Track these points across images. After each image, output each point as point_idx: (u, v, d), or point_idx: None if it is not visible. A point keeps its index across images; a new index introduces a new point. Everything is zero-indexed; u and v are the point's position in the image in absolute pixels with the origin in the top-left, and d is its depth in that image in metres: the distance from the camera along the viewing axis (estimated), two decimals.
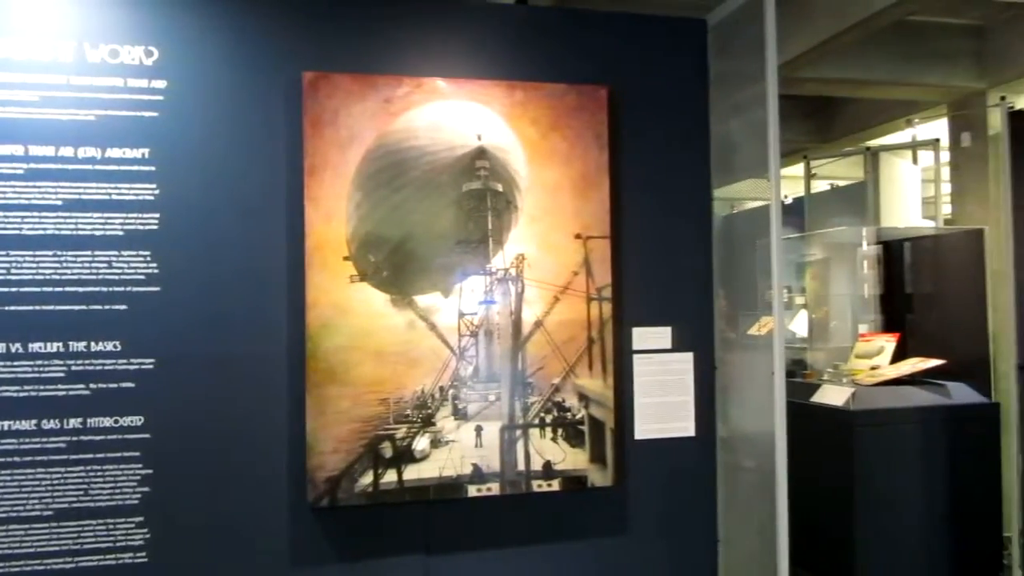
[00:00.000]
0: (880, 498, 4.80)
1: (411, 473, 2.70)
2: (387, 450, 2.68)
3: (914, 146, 7.35)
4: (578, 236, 2.86)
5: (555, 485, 2.80)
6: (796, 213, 8.40)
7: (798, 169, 8.52)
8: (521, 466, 2.78)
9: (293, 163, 2.70)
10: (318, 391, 2.63)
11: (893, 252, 6.21)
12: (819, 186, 9.38)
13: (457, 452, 2.71)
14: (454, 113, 2.80)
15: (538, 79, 2.89)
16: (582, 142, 2.90)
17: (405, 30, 2.84)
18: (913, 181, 7.69)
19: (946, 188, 7.31)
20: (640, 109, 3.07)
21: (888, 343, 5.43)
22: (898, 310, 6.08)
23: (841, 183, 9.16)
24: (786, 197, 9.46)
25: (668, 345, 2.98)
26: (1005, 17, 6.13)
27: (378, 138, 2.72)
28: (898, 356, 5.37)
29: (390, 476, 2.69)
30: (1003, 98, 5.26)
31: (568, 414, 2.82)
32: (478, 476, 2.73)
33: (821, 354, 6.33)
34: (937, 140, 6.92)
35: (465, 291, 2.75)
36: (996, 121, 5.08)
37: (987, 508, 4.97)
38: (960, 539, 4.92)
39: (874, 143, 7.89)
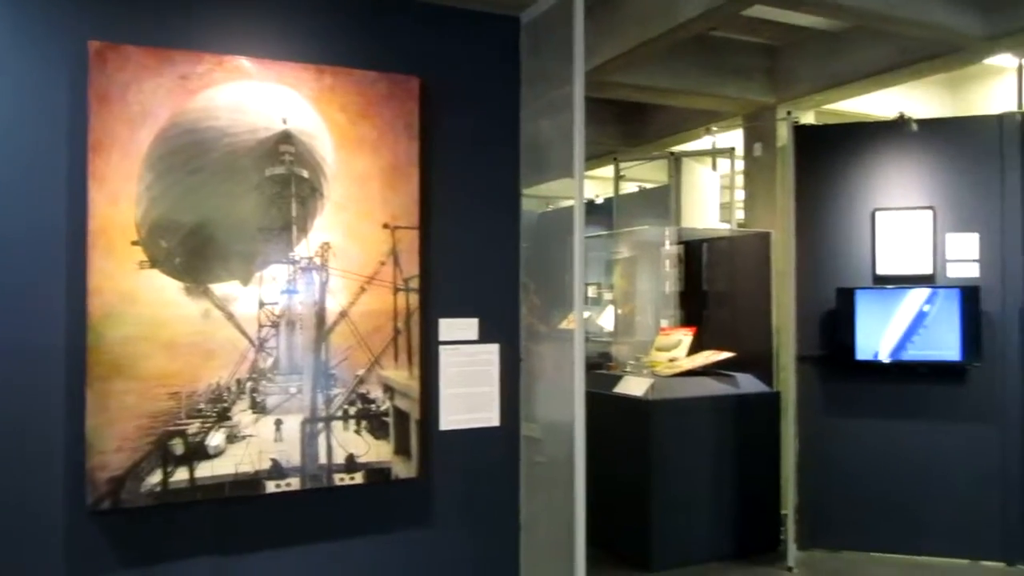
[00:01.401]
0: (673, 480, 5.09)
1: (204, 471, 2.57)
2: (178, 447, 2.54)
3: (713, 153, 7.85)
4: (386, 226, 2.83)
5: (358, 478, 2.76)
6: (606, 212, 8.75)
7: (609, 171, 8.88)
8: (323, 460, 2.72)
9: (77, 140, 2.49)
10: (101, 385, 2.45)
11: (693, 252, 6.60)
12: (628, 187, 9.81)
13: (255, 447, 2.61)
14: (258, 94, 2.68)
15: (348, 65, 2.83)
16: (392, 131, 2.87)
17: (207, 4, 2.70)
18: (712, 186, 8.21)
19: (741, 194, 7.85)
20: (452, 102, 3.08)
21: (685, 337, 5.76)
22: (696, 306, 6.47)
23: (648, 185, 9.63)
24: (597, 197, 9.84)
25: (475, 336, 3.01)
26: (793, 39, 6.65)
27: (174, 116, 2.57)
28: (695, 349, 5.71)
29: (181, 474, 2.55)
30: (789, 113, 5.71)
31: (372, 406, 2.78)
32: (277, 471, 2.65)
33: (625, 347, 6.62)
34: (733, 149, 7.42)
35: (266, 280, 2.65)
36: (783, 133, 5.50)
37: (768, 488, 5.39)
38: (744, 516, 5.31)
39: (678, 149, 8.35)
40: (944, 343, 5.15)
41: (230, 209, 2.62)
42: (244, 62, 2.68)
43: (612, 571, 5.00)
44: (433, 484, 2.92)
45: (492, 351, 3.03)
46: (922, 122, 5.44)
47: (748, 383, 5.48)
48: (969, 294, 5.14)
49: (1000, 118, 5.37)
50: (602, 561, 5.07)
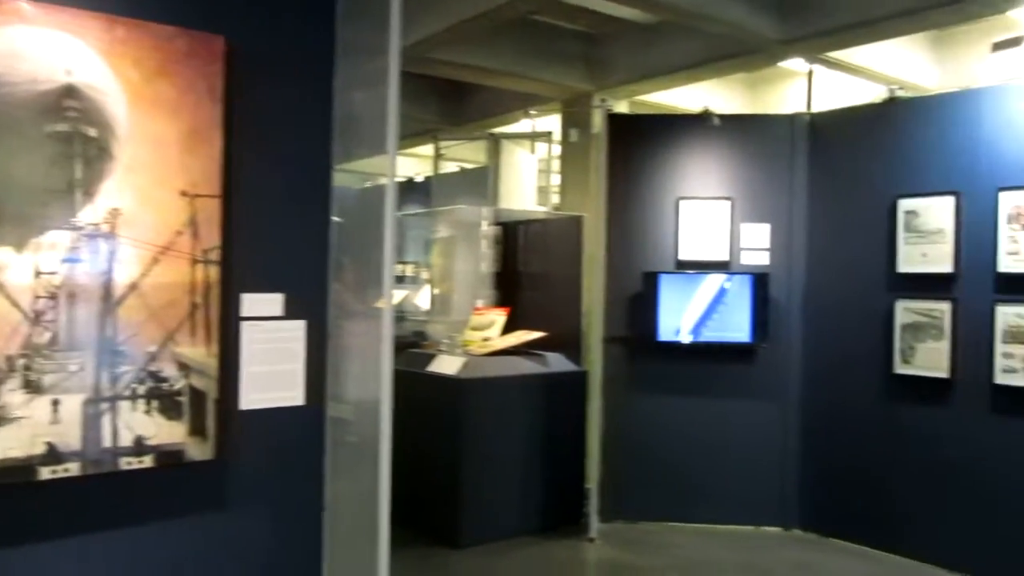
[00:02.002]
0: (483, 458, 5.16)
1: None
2: None
3: (532, 137, 7.98)
4: (184, 193, 2.65)
5: (147, 462, 2.58)
6: (426, 191, 8.70)
7: (429, 149, 8.84)
8: (107, 443, 2.51)
9: None
10: None
11: (510, 233, 6.70)
12: (448, 167, 9.81)
13: (27, 430, 2.38)
14: (39, 42, 2.42)
15: (143, 16, 2.61)
16: (193, 93, 2.68)
17: None
18: (530, 169, 8.34)
19: (558, 179, 8.05)
20: (262, 66, 2.91)
21: (499, 317, 5.84)
22: (511, 287, 6.57)
23: (468, 166, 9.67)
24: (417, 175, 9.78)
25: (280, 312, 2.88)
26: (611, 29, 6.88)
27: None
28: (509, 329, 5.80)
29: None
30: (603, 100, 5.88)
31: (165, 384, 2.60)
32: (53, 456, 2.42)
33: (441, 326, 6.63)
34: (550, 133, 7.58)
35: (44, 247, 2.41)
36: (598, 121, 5.67)
37: (574, 464, 5.58)
38: (551, 492, 5.48)
39: (498, 130, 8.43)
40: (737, 325, 5.52)
41: (3, 167, 2.35)
42: (23, 4, 2.41)
43: (422, 550, 5.01)
44: (232, 466, 2.78)
45: (298, 328, 2.91)
46: (724, 117, 5.76)
47: (558, 362, 5.65)
48: (760, 280, 5.53)
49: (792, 118, 5.79)
50: (412, 541, 5.08)
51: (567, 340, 5.84)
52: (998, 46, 5.15)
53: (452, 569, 4.82)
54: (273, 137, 2.95)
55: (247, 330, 2.83)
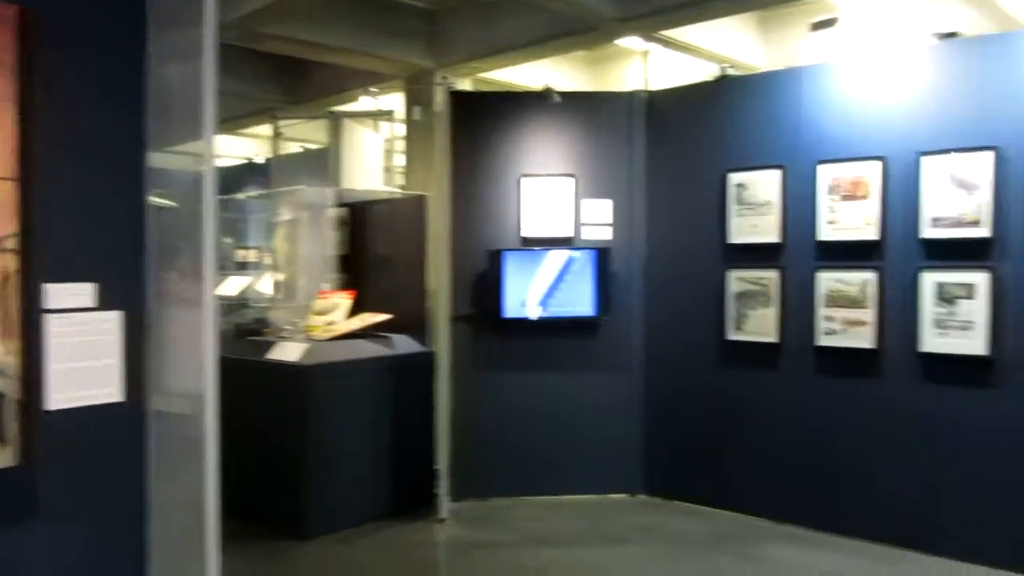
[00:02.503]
0: (330, 445, 5.03)
1: None
2: None
3: (375, 115, 7.82)
4: None
5: None
6: (267, 172, 8.38)
7: (269, 129, 8.51)
8: None
9: None
10: None
11: (355, 215, 6.54)
12: (292, 148, 9.49)
13: None
14: None
15: None
16: None
17: None
18: (375, 148, 8.18)
19: (403, 158, 7.92)
20: (65, 37, 2.66)
21: (344, 300, 5.69)
22: (358, 269, 6.42)
23: (312, 146, 9.38)
24: (257, 156, 9.41)
25: (91, 304, 2.66)
26: (452, 5, 6.80)
27: None
28: (355, 312, 5.67)
29: None
30: (445, 78, 5.81)
31: None
32: None
33: (285, 312, 6.41)
34: (392, 112, 7.44)
35: None
36: (440, 98, 5.59)
37: (423, 445, 5.53)
38: (400, 475, 5.41)
39: (340, 109, 8.20)
40: (581, 300, 5.62)
41: None
42: None
43: (267, 544, 4.84)
44: (40, 472, 2.56)
45: (113, 319, 2.70)
46: (565, 95, 5.81)
47: (404, 344, 5.57)
48: (602, 255, 5.64)
49: (631, 95, 5.92)
50: (255, 535, 4.90)
51: (414, 321, 5.77)
52: (815, 26, 5.44)
53: (299, 561, 4.68)
54: (79, 114, 2.70)
55: (53, 323, 2.59)
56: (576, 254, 5.63)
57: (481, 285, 5.65)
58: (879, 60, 4.79)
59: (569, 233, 5.74)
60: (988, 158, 4.35)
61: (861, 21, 7.21)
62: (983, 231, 4.37)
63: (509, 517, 5.38)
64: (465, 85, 7.14)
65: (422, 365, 5.54)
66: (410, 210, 6.14)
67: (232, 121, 9.64)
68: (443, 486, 5.29)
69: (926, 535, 4.54)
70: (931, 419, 4.55)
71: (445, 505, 5.26)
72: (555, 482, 5.73)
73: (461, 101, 5.72)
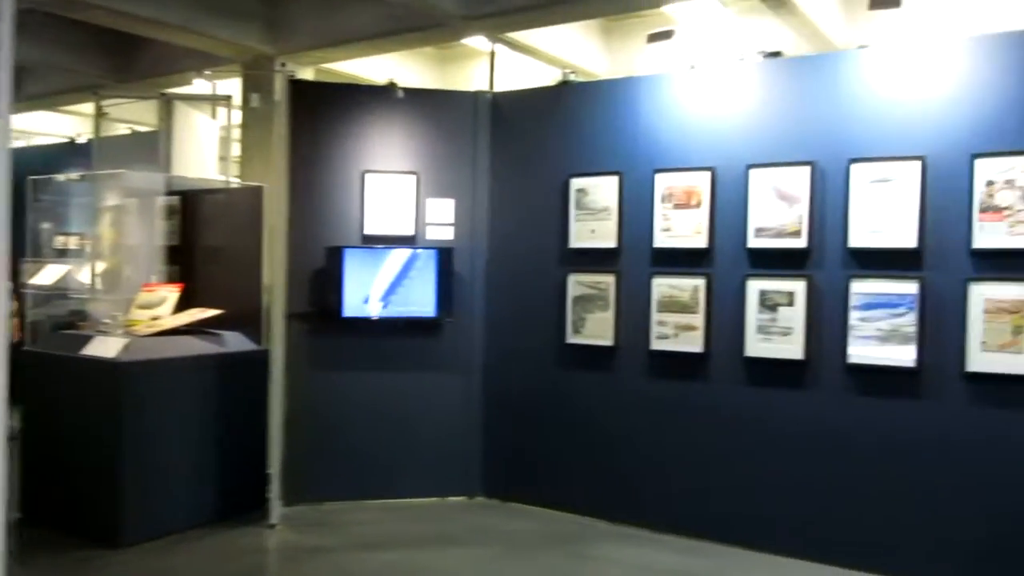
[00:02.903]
0: (150, 447, 4.72)
1: None
2: None
3: (212, 100, 7.42)
4: None
5: None
6: (88, 155, 7.79)
7: (91, 107, 7.91)
8: None
9: None
10: None
11: (188, 204, 6.17)
12: (119, 128, 8.87)
13: None
14: None
15: None
16: None
17: None
18: (211, 135, 7.77)
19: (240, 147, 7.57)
20: None
21: (172, 294, 5.38)
22: (189, 261, 6.07)
23: (142, 128, 8.82)
24: (80, 136, 8.74)
25: None
26: None
27: None
28: (183, 306, 5.36)
29: None
30: (284, 64, 5.59)
31: None
32: None
33: (108, 305, 5.97)
34: (230, 97, 7.09)
35: None
36: (279, 86, 5.37)
37: (255, 448, 5.29)
38: (230, 479, 5.16)
39: (172, 91, 7.74)
40: (422, 300, 5.54)
41: None
42: None
43: (76, 553, 4.48)
44: None
45: None
46: (410, 91, 5.72)
47: (236, 341, 5.31)
48: (444, 255, 5.59)
49: (475, 95, 5.90)
50: (62, 545, 4.54)
51: (247, 318, 5.51)
52: (653, 37, 5.62)
53: (108, 571, 4.35)
54: None
55: None
56: (418, 253, 5.55)
57: (320, 282, 5.47)
58: (711, 74, 5.00)
59: (411, 232, 5.65)
60: (806, 172, 4.62)
61: (695, 35, 7.53)
62: (801, 242, 4.63)
63: (343, 521, 5.24)
64: (307, 74, 6.90)
65: (255, 364, 5.29)
66: (246, 202, 5.85)
67: (53, 96, 8.90)
68: (275, 490, 5.08)
69: (752, 532, 4.77)
70: (754, 420, 4.79)
71: (276, 510, 5.05)
72: (393, 485, 5.63)
73: (302, 90, 5.52)
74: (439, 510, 5.56)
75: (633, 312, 5.19)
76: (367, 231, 5.57)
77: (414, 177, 5.66)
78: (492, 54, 6.70)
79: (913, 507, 4.34)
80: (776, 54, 4.90)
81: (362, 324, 5.48)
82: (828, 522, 4.56)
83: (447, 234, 5.73)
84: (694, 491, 4.98)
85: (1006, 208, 4.12)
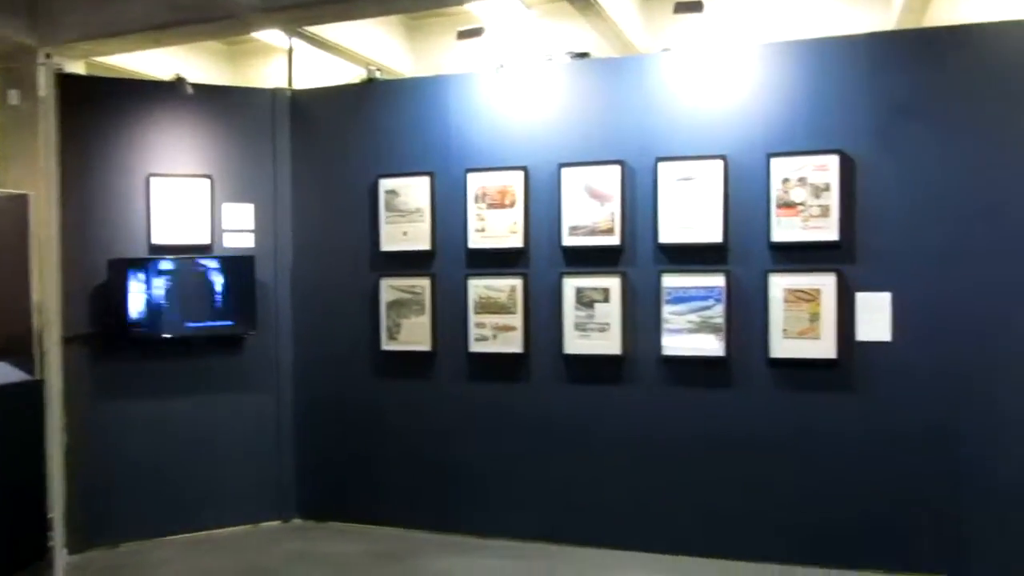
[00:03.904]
0: None
1: None
2: None
3: None
4: None
5: None
6: None
7: None
8: None
9: None
10: None
11: None
12: None
13: None
14: None
15: None
16: None
17: None
18: None
19: None
20: None
21: None
22: None
23: None
24: None
25: None
26: None
27: None
28: None
29: None
30: (49, 56, 4.97)
31: None
32: None
33: None
34: None
35: None
36: (44, 81, 4.76)
37: (31, 491, 4.65)
38: (2, 528, 4.50)
39: None
40: (221, 314, 5.12)
41: None
42: None
43: None
44: None
45: None
46: (200, 87, 5.28)
47: (2, 372, 4.64)
48: (244, 264, 5.20)
49: (273, 93, 5.53)
50: None
51: (15, 344, 4.84)
52: (462, 35, 5.50)
53: None
54: None
55: None
56: (215, 263, 5.12)
57: (103, 299, 4.90)
58: (520, 74, 4.95)
59: (207, 240, 5.20)
60: (616, 171, 4.67)
61: (502, 35, 7.52)
62: (614, 239, 4.68)
63: (142, 563, 4.72)
64: (78, 68, 6.19)
65: (28, 396, 4.64)
66: (8, 211, 5.15)
67: None
68: (58, 537, 4.48)
69: (581, 528, 4.77)
70: (576, 418, 4.79)
71: (61, 559, 4.46)
72: (199, 516, 5.16)
73: (72, 86, 4.95)
74: (252, 539, 5.16)
75: (450, 315, 5.05)
76: (155, 240, 5.06)
77: (207, 180, 5.21)
78: (290, 50, 6.33)
79: (729, 492, 4.50)
80: (584, 55, 4.93)
81: (153, 343, 4.97)
82: (651, 512, 4.64)
83: (247, 241, 5.33)
84: (521, 493, 4.92)
85: (800, 204, 4.35)
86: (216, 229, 5.24)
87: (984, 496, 4.10)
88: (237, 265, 5.16)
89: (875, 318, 4.25)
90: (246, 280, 5.18)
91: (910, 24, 6.64)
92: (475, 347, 4.98)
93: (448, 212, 5.05)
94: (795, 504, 4.38)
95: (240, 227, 5.33)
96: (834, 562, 4.31)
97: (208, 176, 5.21)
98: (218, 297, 5.11)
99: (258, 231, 5.36)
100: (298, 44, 6.79)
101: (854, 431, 4.30)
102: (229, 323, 5.15)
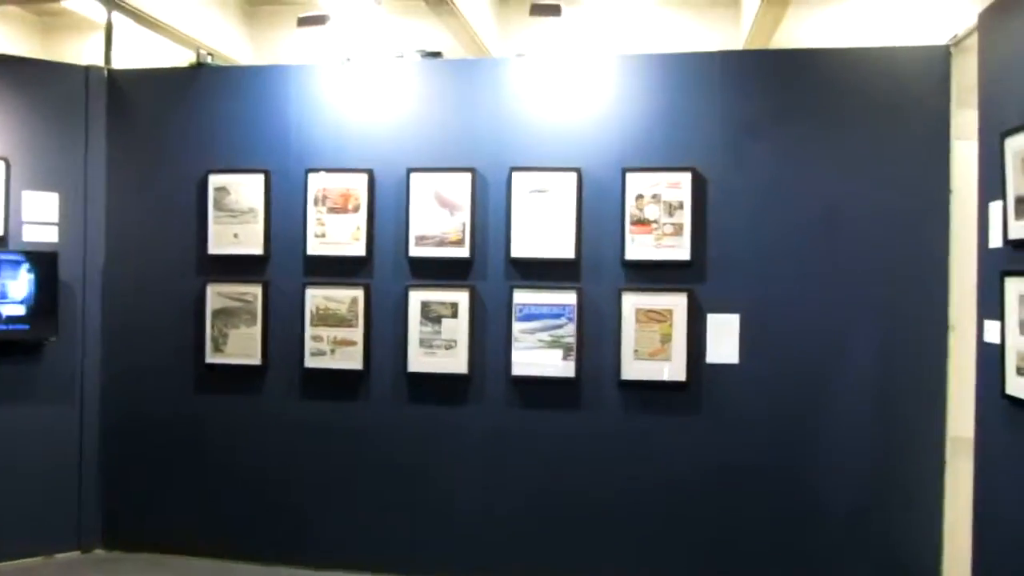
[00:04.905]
0: None
1: None
2: None
3: None
4: None
5: None
6: None
7: None
8: None
9: None
10: None
11: None
12: None
13: None
14: None
15: None
16: None
17: None
18: None
19: None
20: None
21: None
22: None
23: None
24: None
25: None
26: None
27: None
28: None
29: None
30: None
31: None
32: None
33: None
34: None
35: None
36: None
37: None
38: None
39: None
40: (14, 316, 4.49)
41: None
42: None
43: None
44: None
45: None
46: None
47: None
48: (46, 260, 4.59)
49: (87, 70, 4.93)
50: None
51: None
52: (302, 21, 5.11)
53: None
54: None
55: None
56: (12, 257, 4.48)
57: None
58: (368, 69, 4.62)
59: (0, 231, 4.55)
60: (467, 179, 4.44)
61: (351, 27, 7.13)
62: (464, 251, 4.44)
63: None
64: None
65: None
66: None
67: None
68: None
69: (415, 557, 4.48)
70: (418, 440, 4.51)
71: None
72: None
73: None
74: (44, 571, 4.54)
75: (284, 326, 4.64)
76: None
77: (2, 163, 4.57)
78: (108, 24, 5.70)
79: (577, 516, 4.36)
80: (436, 54, 4.67)
81: None
82: (498, 538, 4.43)
83: (49, 235, 4.71)
84: (357, 521, 4.58)
85: (653, 221, 4.27)
86: (13, 219, 4.60)
87: (829, 515, 4.17)
88: (37, 261, 4.54)
89: (724, 340, 4.23)
90: (47, 279, 4.57)
91: (759, 43, 6.82)
92: (311, 362, 4.60)
93: (285, 215, 4.64)
94: (643, 528, 4.30)
95: (42, 218, 4.70)
96: None
97: (3, 158, 4.57)
98: (13, 297, 4.47)
99: (64, 224, 4.75)
100: (119, 20, 6.15)
101: (702, 454, 4.26)
102: (24, 327, 4.52)
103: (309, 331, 4.60)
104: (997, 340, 3.39)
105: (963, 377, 3.95)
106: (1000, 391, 3.31)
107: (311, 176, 4.59)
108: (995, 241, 3.49)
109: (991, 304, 3.47)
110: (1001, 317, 3.34)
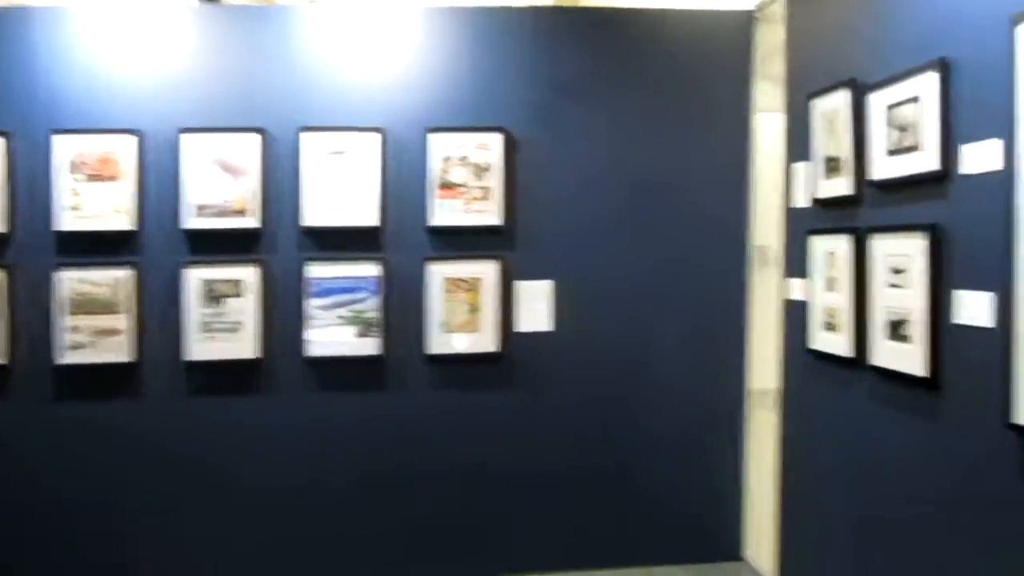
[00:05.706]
0: None
1: None
2: None
3: None
4: None
5: None
6: None
7: None
8: None
9: None
10: None
11: None
12: None
13: None
14: None
15: None
16: None
17: None
18: None
19: None
20: None
21: None
22: None
23: None
24: None
25: None
26: None
27: None
28: None
29: None
30: None
31: None
32: None
33: None
34: None
35: None
36: None
37: None
38: None
39: None
40: None
41: None
42: None
43: None
44: None
45: None
46: None
47: None
48: None
49: None
50: None
51: None
52: None
53: None
54: None
55: None
56: None
57: None
58: (133, 16, 4.01)
59: None
60: (255, 140, 3.94)
61: None
62: (251, 221, 3.93)
63: None
64: None
65: None
66: None
67: None
68: None
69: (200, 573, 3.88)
70: (199, 437, 3.93)
71: None
72: None
73: None
74: None
75: (32, 317, 3.90)
76: None
77: None
78: None
79: (389, 504, 3.97)
80: (216, 0, 4.14)
81: None
82: (303, 533, 3.92)
83: None
84: (127, 539, 3.91)
85: (461, 185, 3.97)
86: None
87: (649, 476, 4.09)
88: None
89: (536, 308, 3.99)
90: None
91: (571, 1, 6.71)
92: (67, 357, 3.89)
93: (30, 184, 3.91)
94: (465, 509, 3.99)
95: None
96: (508, 566, 3.99)
97: None
98: None
99: None
100: None
101: (519, 426, 4.01)
102: None
103: (64, 321, 3.89)
104: (803, 297, 3.42)
105: (762, 334, 4.01)
106: (804, 346, 3.36)
107: (60, 138, 3.89)
108: (801, 201, 3.50)
109: (797, 262, 3.48)
110: (808, 275, 3.37)
